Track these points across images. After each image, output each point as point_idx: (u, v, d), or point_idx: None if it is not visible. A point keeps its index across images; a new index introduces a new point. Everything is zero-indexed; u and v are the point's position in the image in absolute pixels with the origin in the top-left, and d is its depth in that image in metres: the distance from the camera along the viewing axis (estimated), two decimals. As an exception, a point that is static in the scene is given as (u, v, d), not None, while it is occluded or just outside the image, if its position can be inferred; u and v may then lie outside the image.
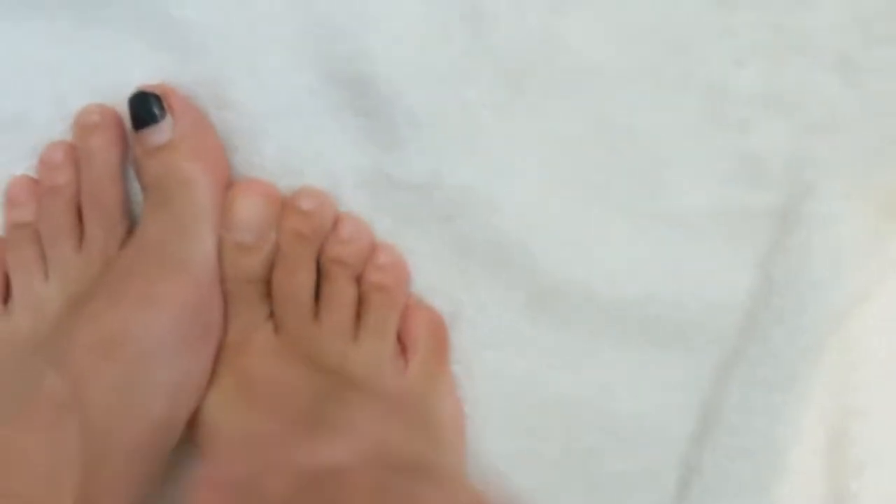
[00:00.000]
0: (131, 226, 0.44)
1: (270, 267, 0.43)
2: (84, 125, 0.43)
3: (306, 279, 0.43)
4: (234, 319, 0.43)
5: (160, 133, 0.42)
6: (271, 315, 0.44)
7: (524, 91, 0.43)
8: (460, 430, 0.44)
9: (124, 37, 0.44)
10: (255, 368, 0.43)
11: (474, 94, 0.43)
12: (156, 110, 0.42)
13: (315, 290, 0.43)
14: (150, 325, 0.40)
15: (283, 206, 0.43)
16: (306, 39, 0.43)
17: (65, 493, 0.38)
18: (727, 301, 0.43)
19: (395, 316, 0.43)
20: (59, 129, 0.44)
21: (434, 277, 0.44)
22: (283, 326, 0.43)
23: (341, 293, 0.43)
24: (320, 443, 0.41)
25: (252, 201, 0.42)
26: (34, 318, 0.43)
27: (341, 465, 0.40)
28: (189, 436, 0.43)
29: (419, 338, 0.43)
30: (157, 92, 0.42)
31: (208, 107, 0.44)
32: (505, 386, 0.44)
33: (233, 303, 0.43)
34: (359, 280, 0.43)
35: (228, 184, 0.43)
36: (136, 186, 0.44)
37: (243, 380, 0.43)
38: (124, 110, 0.43)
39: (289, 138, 0.44)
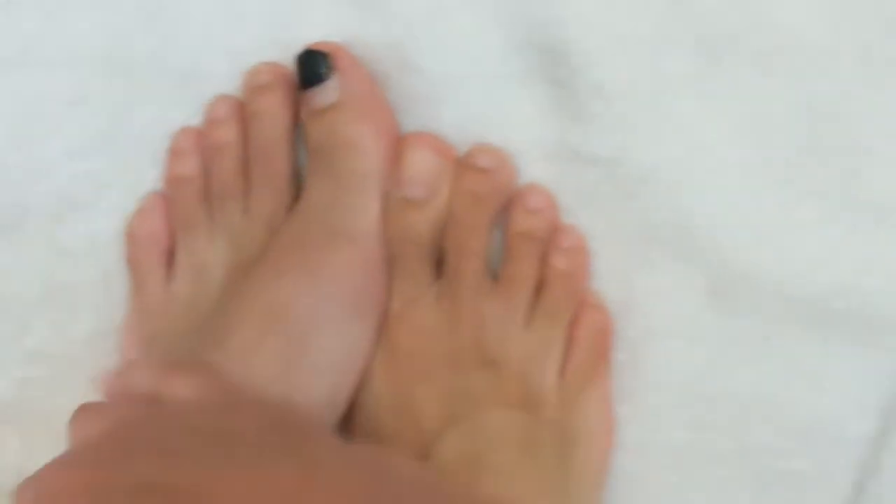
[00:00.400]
0: (298, 193, 0.42)
1: (438, 230, 0.41)
2: (253, 85, 0.42)
3: (481, 244, 0.41)
4: (398, 283, 0.41)
5: (326, 93, 0.40)
6: (435, 281, 0.41)
7: (723, 64, 0.41)
8: (609, 443, 0.42)
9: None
10: (408, 342, 0.41)
11: (669, 65, 0.41)
12: (323, 69, 0.40)
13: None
14: (314, 299, 0.39)
15: (458, 164, 0.41)
16: (499, 1, 0.41)
17: None
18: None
19: (571, 308, 0.41)
20: (233, 85, 0.43)
21: (609, 260, 0.42)
22: (449, 297, 0.41)
23: (524, 270, 0.41)
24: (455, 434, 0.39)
25: (424, 154, 0.41)
26: (198, 284, 0.42)
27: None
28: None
29: (584, 339, 0.41)
30: (326, 50, 0.40)
31: (388, 69, 0.42)
32: (676, 377, 0.42)
33: (394, 267, 0.41)
34: (543, 261, 0.41)
35: (396, 147, 0.41)
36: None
37: (394, 355, 0.41)
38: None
39: (469, 105, 0.42)
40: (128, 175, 0.43)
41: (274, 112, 0.41)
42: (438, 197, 0.41)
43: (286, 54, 0.42)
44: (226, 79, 0.43)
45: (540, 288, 0.41)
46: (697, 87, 0.41)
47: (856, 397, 0.42)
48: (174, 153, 0.43)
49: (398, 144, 0.41)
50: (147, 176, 0.43)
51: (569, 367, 0.41)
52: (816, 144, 0.41)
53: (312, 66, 0.40)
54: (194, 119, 0.43)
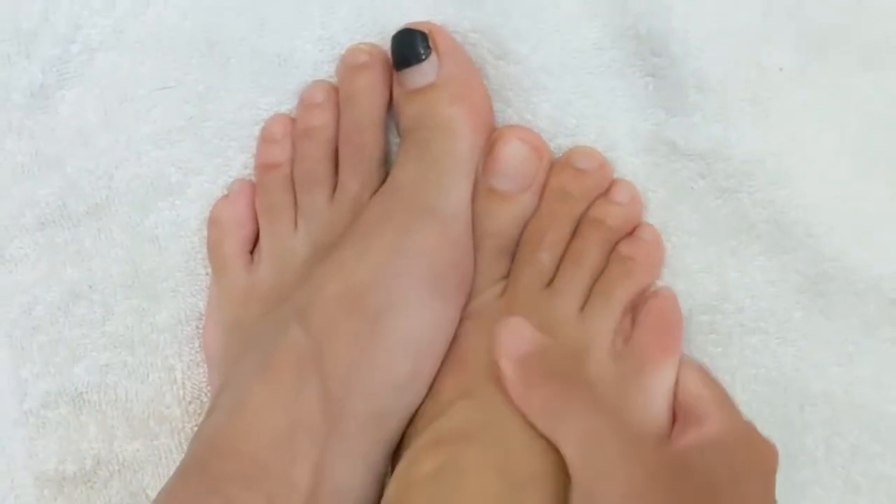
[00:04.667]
0: (386, 177, 0.41)
1: (519, 227, 0.40)
2: (351, 65, 0.41)
3: (559, 240, 0.40)
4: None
5: (423, 73, 0.39)
6: (504, 277, 0.41)
7: (827, 58, 0.40)
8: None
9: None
10: (463, 335, 0.40)
11: (772, 57, 0.40)
12: (420, 49, 0.39)
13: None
14: (398, 278, 0.38)
15: (554, 162, 0.41)
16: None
17: (298, 458, 0.36)
18: None
19: (630, 289, 0.40)
20: (325, 70, 0.42)
21: (704, 254, 0.42)
22: (513, 287, 0.40)
23: (588, 253, 0.40)
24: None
25: (518, 147, 0.40)
26: (280, 270, 0.41)
27: None
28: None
29: (645, 325, 0.39)
30: (424, 30, 0.40)
31: (484, 55, 0.41)
32: (766, 374, 0.42)
33: (475, 256, 0.40)
34: (610, 251, 0.40)
35: (490, 132, 0.41)
36: (395, 139, 0.42)
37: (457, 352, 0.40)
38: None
39: (566, 95, 0.41)
40: (215, 161, 0.43)
41: (370, 92, 0.41)
42: (527, 192, 0.40)
43: (378, 40, 0.42)
44: (316, 64, 0.42)
45: (601, 274, 0.40)
46: (799, 80, 0.40)
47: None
48: (265, 140, 0.42)
49: (492, 134, 0.40)
50: (235, 162, 0.43)
51: (626, 352, 0.39)
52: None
53: (410, 45, 0.39)
54: (284, 105, 0.42)
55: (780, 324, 0.42)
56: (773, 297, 0.42)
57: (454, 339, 0.40)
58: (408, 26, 0.40)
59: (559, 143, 0.42)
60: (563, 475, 0.35)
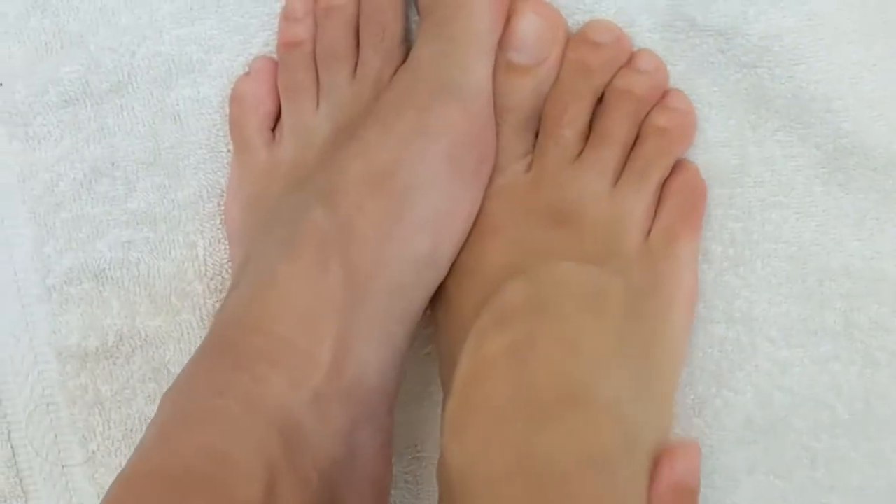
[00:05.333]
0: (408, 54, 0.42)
1: (539, 99, 0.40)
2: None
3: (581, 114, 0.40)
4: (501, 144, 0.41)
5: None
6: (528, 153, 0.41)
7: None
8: (689, 309, 0.41)
9: None
10: (486, 205, 0.40)
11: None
12: None
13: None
14: (421, 156, 0.38)
15: (571, 37, 0.40)
16: None
17: (324, 335, 0.37)
18: None
19: (665, 165, 0.40)
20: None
21: (724, 128, 0.42)
22: (540, 163, 0.40)
23: (618, 127, 0.40)
24: (520, 280, 0.38)
25: (533, 19, 0.40)
26: (302, 148, 0.41)
27: None
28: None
29: (673, 199, 0.41)
30: None
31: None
32: (785, 248, 0.42)
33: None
34: (641, 122, 0.40)
35: (508, 9, 0.40)
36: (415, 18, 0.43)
37: (478, 223, 0.40)
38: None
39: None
40: (236, 38, 0.43)
41: None
42: (544, 65, 0.40)
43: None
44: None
45: (634, 146, 0.40)
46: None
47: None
48: (286, 18, 0.42)
49: (509, 6, 0.40)
50: (256, 39, 0.43)
51: (656, 226, 0.40)
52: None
53: None
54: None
55: (800, 198, 0.42)
56: (793, 172, 0.42)
57: (484, 215, 0.40)
58: None
59: (577, 19, 0.41)
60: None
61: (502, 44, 0.40)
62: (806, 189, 0.42)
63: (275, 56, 0.43)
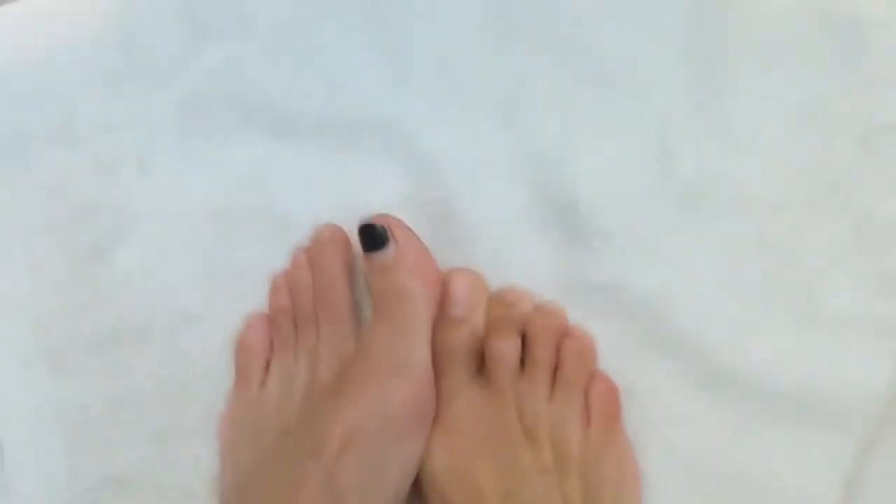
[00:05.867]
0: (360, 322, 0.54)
1: (477, 339, 0.52)
2: (317, 240, 0.54)
3: (514, 345, 0.51)
4: (449, 379, 0.51)
5: (385, 256, 0.51)
6: (475, 378, 0.52)
7: (701, 214, 0.53)
8: (637, 485, 0.51)
9: (375, 159, 0.55)
10: (461, 423, 0.51)
11: (660, 214, 0.53)
12: (381, 239, 0.51)
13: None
14: (384, 421, 0.49)
15: (490, 298, 0.53)
16: (522, 169, 0.54)
17: None
18: (870, 389, 0.51)
19: (584, 377, 0.51)
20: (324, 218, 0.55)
21: (614, 362, 0.53)
22: (492, 382, 0.51)
23: (545, 357, 0.51)
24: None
25: (465, 283, 0.52)
26: (286, 390, 0.52)
27: None
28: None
29: (598, 401, 0.51)
30: (383, 223, 0.51)
31: (435, 215, 0.54)
32: (677, 460, 0.52)
33: (448, 366, 0.51)
34: (557, 349, 0.51)
35: (440, 289, 0.52)
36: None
37: (451, 434, 0.51)
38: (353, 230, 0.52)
39: (499, 244, 0.54)
40: (231, 301, 0.55)
41: (331, 262, 0.53)
42: (475, 315, 0.52)
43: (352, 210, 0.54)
44: (308, 228, 0.55)
45: (557, 369, 0.51)
46: (681, 229, 0.53)
47: (824, 475, 0.51)
48: (273, 289, 0.55)
49: (444, 277, 0.52)
50: (246, 303, 0.55)
51: (592, 425, 0.51)
52: (777, 271, 0.52)
53: (373, 236, 0.51)
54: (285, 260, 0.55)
55: (683, 417, 0.52)
56: (675, 396, 0.52)
57: (457, 429, 0.51)
58: (369, 221, 0.51)
59: (498, 278, 0.54)
60: None
61: (443, 305, 0.52)
62: (686, 407, 0.52)
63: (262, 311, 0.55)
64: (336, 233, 0.53)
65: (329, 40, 0.56)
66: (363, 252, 0.51)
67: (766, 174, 0.53)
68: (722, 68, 0.54)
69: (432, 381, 0.51)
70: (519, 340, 0.52)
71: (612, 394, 0.52)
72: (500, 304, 0.52)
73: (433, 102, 0.55)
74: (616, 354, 0.53)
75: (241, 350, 0.54)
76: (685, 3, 0.54)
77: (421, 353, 0.51)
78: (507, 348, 0.51)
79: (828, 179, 0.53)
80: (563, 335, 0.52)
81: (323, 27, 0.56)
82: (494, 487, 0.49)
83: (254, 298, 0.55)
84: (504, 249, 0.54)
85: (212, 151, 0.56)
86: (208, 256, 0.56)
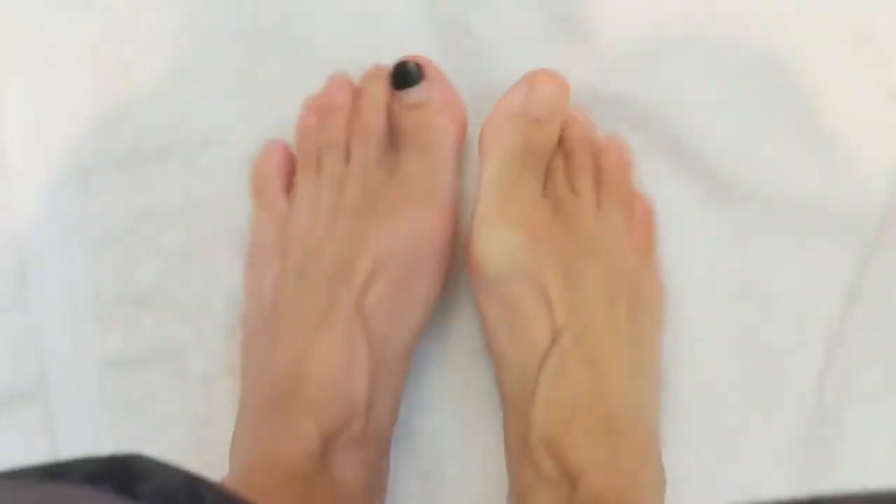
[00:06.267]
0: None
1: (552, 145, 0.53)
2: (367, 74, 0.54)
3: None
4: (526, 177, 0.52)
5: (417, 93, 0.52)
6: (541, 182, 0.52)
7: (712, 26, 0.55)
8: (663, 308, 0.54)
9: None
10: (538, 220, 0.51)
11: (668, 30, 0.55)
12: (415, 76, 0.52)
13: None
14: (412, 251, 0.51)
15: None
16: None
17: (360, 384, 0.49)
18: (869, 197, 0.54)
19: (628, 191, 0.53)
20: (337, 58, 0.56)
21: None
22: (554, 198, 0.52)
23: (585, 164, 0.52)
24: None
25: (551, 85, 0.52)
26: (312, 211, 0.52)
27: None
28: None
29: (639, 222, 0.53)
30: (419, 61, 0.52)
31: (450, 33, 0.56)
32: (685, 270, 0.54)
33: (524, 165, 0.52)
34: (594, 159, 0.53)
35: (465, 131, 0.54)
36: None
37: (528, 227, 0.51)
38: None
39: (514, 63, 0.55)
40: (253, 119, 0.56)
41: (376, 93, 0.53)
42: (554, 120, 0.52)
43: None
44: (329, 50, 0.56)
45: (599, 181, 0.53)
46: (691, 40, 0.55)
47: (824, 280, 0.54)
48: (305, 109, 0.55)
49: (528, 76, 0.52)
50: (266, 118, 0.56)
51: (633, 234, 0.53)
52: (781, 84, 0.55)
53: (407, 73, 0.52)
54: (308, 79, 0.56)
55: (690, 224, 0.55)
56: (682, 204, 0.55)
57: (539, 230, 0.51)
58: (405, 58, 0.52)
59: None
60: None
61: (526, 104, 0.52)
62: (693, 216, 0.55)
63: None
64: (382, 70, 0.54)
65: None
66: (395, 89, 0.53)
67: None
68: None
69: (456, 216, 0.53)
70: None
71: (650, 215, 0.54)
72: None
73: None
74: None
75: (257, 176, 0.55)
76: None
77: (450, 187, 0.52)
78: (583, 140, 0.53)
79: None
80: (600, 148, 0.53)
81: None
82: (558, 297, 0.50)
83: (274, 120, 0.56)
84: (518, 69, 0.54)
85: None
86: (230, 77, 0.56)
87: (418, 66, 0.53)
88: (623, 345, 0.50)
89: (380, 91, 0.53)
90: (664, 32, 0.55)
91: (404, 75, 0.53)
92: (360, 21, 0.57)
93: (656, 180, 0.55)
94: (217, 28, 0.56)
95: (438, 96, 0.53)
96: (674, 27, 0.55)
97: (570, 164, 0.53)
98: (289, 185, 0.55)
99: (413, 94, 0.53)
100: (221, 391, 0.55)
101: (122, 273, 0.55)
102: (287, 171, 0.55)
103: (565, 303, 0.50)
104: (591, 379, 0.49)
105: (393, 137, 0.54)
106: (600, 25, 0.55)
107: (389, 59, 0.53)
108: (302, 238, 0.52)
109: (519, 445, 0.49)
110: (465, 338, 0.55)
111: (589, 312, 0.50)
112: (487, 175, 0.52)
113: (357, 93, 0.54)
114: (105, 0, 0.56)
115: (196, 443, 0.54)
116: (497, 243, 0.51)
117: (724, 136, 0.55)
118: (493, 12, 0.56)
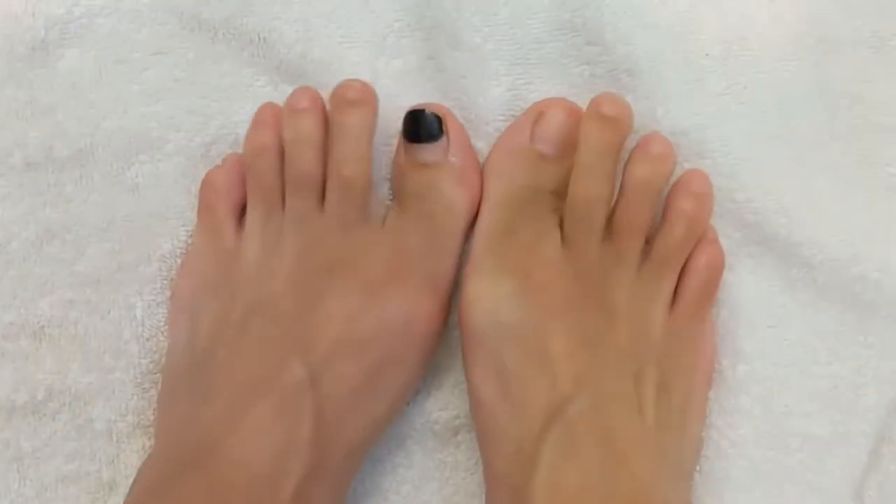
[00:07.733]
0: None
1: (565, 181, 0.43)
2: (342, 98, 0.43)
3: (604, 195, 0.42)
4: (529, 223, 0.44)
5: (433, 152, 0.43)
6: (559, 226, 0.43)
7: (747, 45, 0.46)
8: (710, 378, 0.44)
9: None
10: (540, 271, 0.43)
11: (695, 44, 0.46)
12: (435, 130, 0.43)
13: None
14: (401, 337, 0.43)
15: (584, 115, 0.43)
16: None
17: (290, 475, 0.39)
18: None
19: (686, 251, 0.43)
20: (297, 50, 0.47)
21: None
22: (571, 240, 0.43)
23: (640, 217, 0.42)
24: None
25: (561, 116, 0.44)
26: (268, 255, 0.43)
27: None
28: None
29: (696, 278, 0.43)
30: (439, 113, 0.44)
31: (441, 47, 0.46)
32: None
33: (529, 209, 0.44)
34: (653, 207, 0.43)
35: (478, 206, 0.45)
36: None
37: (528, 277, 0.42)
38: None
39: (515, 82, 0.46)
40: (195, 119, 0.47)
41: (361, 128, 0.43)
42: (569, 155, 0.43)
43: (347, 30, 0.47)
44: (290, 45, 0.47)
45: (658, 230, 0.43)
46: (721, 63, 0.46)
47: (872, 364, 0.45)
48: (256, 123, 0.45)
49: (536, 105, 0.45)
50: (213, 122, 0.47)
51: (680, 305, 0.43)
52: (833, 122, 0.46)
53: (426, 125, 0.43)
54: (263, 77, 0.47)
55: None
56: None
57: (536, 281, 0.42)
58: (424, 106, 0.43)
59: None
60: None
61: (532, 136, 0.44)
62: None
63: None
64: (367, 92, 0.43)
65: None
66: (405, 140, 0.44)
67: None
68: None
69: (450, 305, 0.45)
70: (612, 186, 0.43)
71: (716, 270, 0.44)
72: (597, 120, 0.42)
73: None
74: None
75: (207, 189, 0.45)
76: None
77: (451, 269, 0.44)
78: (589, 201, 0.42)
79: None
80: (678, 184, 0.43)
81: None
82: (564, 359, 0.41)
83: (222, 120, 0.47)
84: (518, 88, 0.46)
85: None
86: (174, 68, 0.47)
87: (438, 120, 0.43)
88: (649, 428, 0.41)
89: (363, 122, 0.43)
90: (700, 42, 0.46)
91: (420, 128, 0.43)
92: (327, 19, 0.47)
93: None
94: (158, 12, 0.47)
95: (457, 160, 0.44)
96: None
97: (620, 212, 0.42)
98: (241, 211, 0.45)
99: (427, 152, 0.43)
100: (130, 452, 0.46)
101: (19, 298, 0.46)
102: (243, 194, 0.45)
103: (573, 368, 0.41)
104: (607, 464, 0.39)
105: (393, 191, 0.45)
106: (625, 36, 0.46)
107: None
108: (253, 283, 0.43)
109: None
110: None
111: (605, 384, 0.41)
112: (484, 218, 0.44)
113: (331, 130, 0.44)
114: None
115: (96, 511, 0.45)
116: (486, 292, 0.42)
117: (757, 178, 0.45)
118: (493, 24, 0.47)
